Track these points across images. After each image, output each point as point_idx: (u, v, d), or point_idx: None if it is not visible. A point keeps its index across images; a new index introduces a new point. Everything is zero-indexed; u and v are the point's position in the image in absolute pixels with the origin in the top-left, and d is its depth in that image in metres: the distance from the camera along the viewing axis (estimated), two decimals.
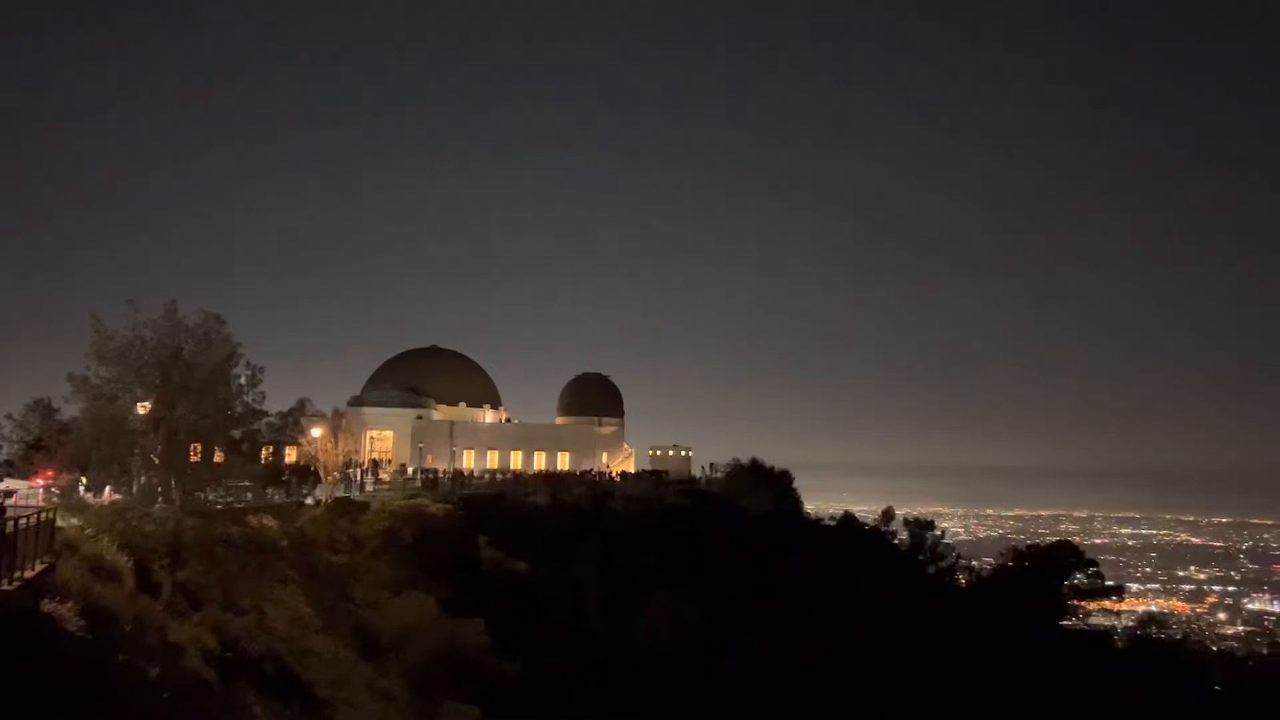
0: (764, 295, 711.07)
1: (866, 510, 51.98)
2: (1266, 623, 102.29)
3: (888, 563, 45.33)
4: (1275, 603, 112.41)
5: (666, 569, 34.56)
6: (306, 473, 29.97)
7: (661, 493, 44.15)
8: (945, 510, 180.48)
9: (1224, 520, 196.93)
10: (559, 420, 59.33)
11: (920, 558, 47.37)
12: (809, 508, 51.67)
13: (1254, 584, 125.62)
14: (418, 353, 60.36)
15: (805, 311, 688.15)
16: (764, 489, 46.80)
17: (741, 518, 43.29)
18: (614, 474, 51.95)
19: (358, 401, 52.21)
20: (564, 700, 24.85)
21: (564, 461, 54.59)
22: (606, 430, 58.08)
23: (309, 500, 28.50)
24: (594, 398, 59.06)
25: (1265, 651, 79.81)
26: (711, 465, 53.98)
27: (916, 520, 48.12)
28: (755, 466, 49.42)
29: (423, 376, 56.48)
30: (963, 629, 36.47)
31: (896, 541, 48.21)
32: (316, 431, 29.41)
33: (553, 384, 61.44)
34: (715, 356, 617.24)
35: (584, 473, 49.82)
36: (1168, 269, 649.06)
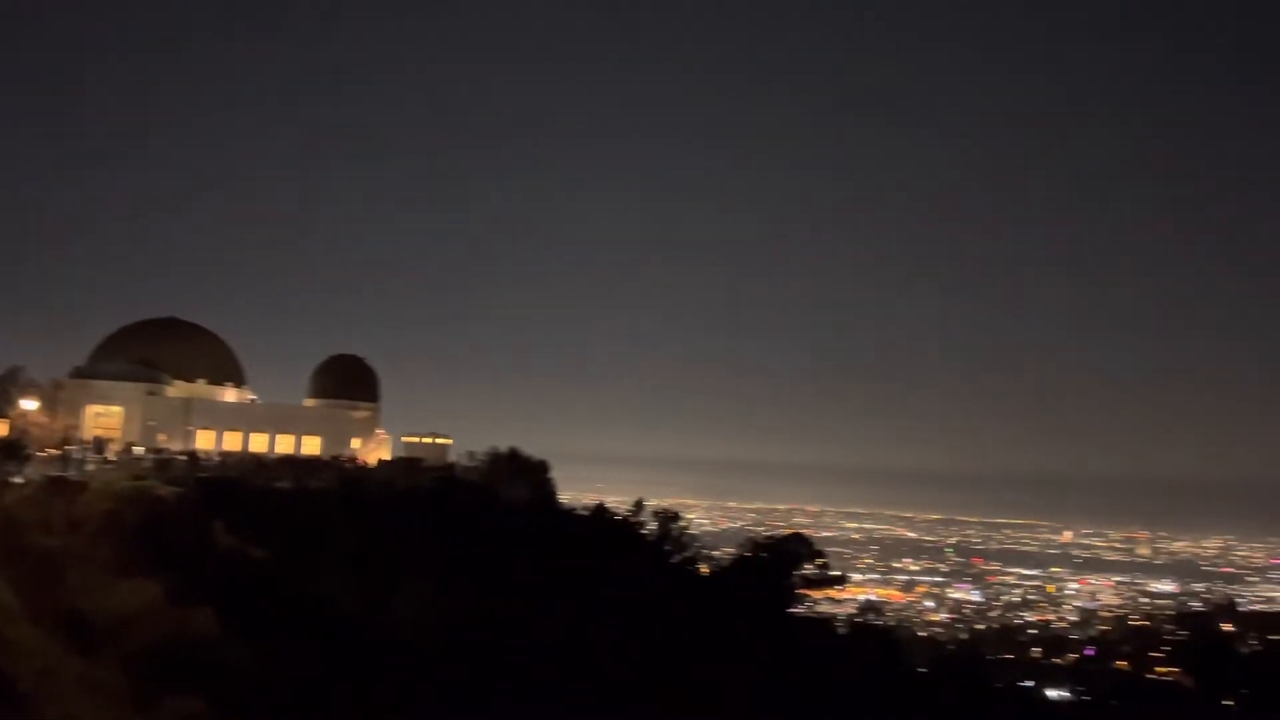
0: (526, 287, 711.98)
1: (619, 501, 53.22)
2: (965, 610, 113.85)
3: (636, 552, 46.68)
4: (973, 592, 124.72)
5: (419, 558, 33.96)
6: (16, 449, 27.35)
7: (416, 481, 43.38)
8: (693, 502, 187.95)
9: (935, 517, 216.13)
10: (308, 403, 56.88)
11: (666, 547, 49.07)
12: (564, 498, 52.33)
13: (957, 575, 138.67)
14: (154, 323, 56.00)
15: (567, 303, 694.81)
16: (521, 479, 46.95)
17: (497, 507, 43.22)
18: (366, 461, 50.54)
19: (82, 373, 48.04)
20: (302, 691, 23.94)
21: (312, 446, 52.49)
22: (360, 415, 56.29)
23: (18, 479, 26.00)
24: (347, 380, 57.02)
25: (963, 636, 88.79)
26: (470, 454, 53.54)
27: (664, 511, 49.70)
28: (514, 456, 49.46)
29: (158, 349, 52.53)
30: (700, 616, 38.11)
31: (645, 532, 49.72)
32: (30, 403, 26.87)
33: (309, 365, 58.86)
34: (480, 346, 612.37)
35: (334, 458, 48.15)
36: (891, 282, 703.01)
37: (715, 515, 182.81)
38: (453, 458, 54.44)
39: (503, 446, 50.56)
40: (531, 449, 50.74)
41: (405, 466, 47.77)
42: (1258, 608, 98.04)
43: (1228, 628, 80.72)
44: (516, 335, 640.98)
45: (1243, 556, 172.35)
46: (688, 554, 48.41)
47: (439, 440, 57.25)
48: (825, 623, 49.01)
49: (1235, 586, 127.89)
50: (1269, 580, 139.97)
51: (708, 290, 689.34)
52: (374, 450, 54.49)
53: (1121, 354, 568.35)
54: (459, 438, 58.19)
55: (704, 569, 47.95)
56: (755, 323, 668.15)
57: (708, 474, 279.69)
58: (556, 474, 51.37)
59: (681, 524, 49.62)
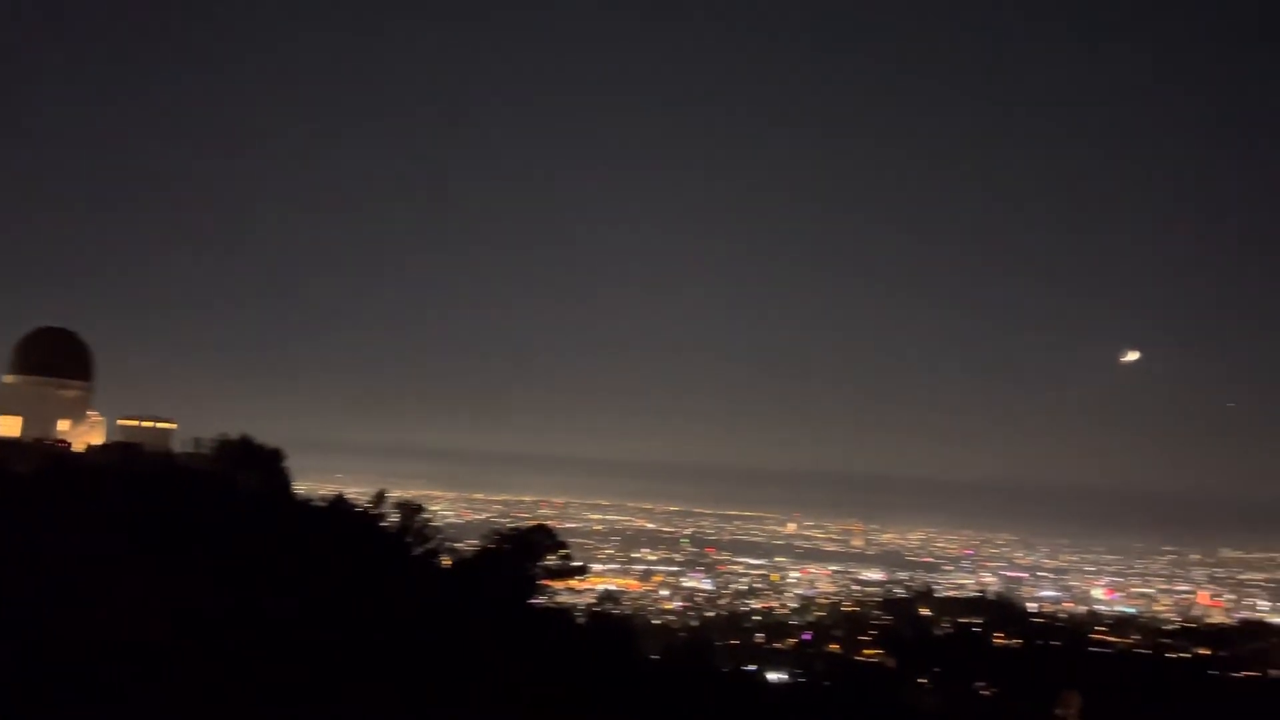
0: (263, 270, 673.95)
1: (360, 492, 51.65)
2: (698, 598, 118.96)
3: (375, 544, 45.52)
4: (705, 581, 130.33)
5: (136, 549, 31.50)
6: None
7: (133, 467, 40.31)
8: (438, 493, 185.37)
9: (674, 509, 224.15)
10: (8, 379, 51.47)
11: (408, 540, 48.16)
12: (300, 488, 50.28)
13: (692, 565, 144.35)
14: None
15: (309, 285, 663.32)
16: (252, 467, 44.67)
17: (224, 497, 40.89)
18: (76, 444, 46.35)
19: None
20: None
21: (12, 427, 47.53)
22: (69, 394, 51.58)
23: None
24: (55, 356, 52.20)
25: (694, 623, 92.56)
26: (197, 440, 50.24)
27: (407, 503, 48.79)
28: (244, 443, 46.94)
29: None
30: (441, 609, 37.76)
31: (386, 524, 48.60)
32: None
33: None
34: (217, 329, 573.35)
35: (37, 440, 43.85)
36: (645, 278, 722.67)
37: (460, 507, 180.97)
38: (178, 444, 51.05)
39: (234, 433, 47.98)
40: (266, 436, 48.42)
41: (120, 451, 44.35)
42: (951, 594, 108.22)
43: (925, 612, 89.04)
44: (256, 319, 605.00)
45: (940, 547, 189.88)
46: (430, 546, 47.71)
47: (160, 424, 53.47)
48: (565, 613, 49.68)
49: (934, 575, 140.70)
50: (961, 569, 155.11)
51: (451, 278, 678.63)
52: (85, 433, 50.10)
53: (844, 357, 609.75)
54: (186, 423, 54.69)
55: (446, 561, 47.42)
56: (504, 312, 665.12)
57: (454, 465, 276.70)
58: (292, 463, 49.31)
59: (425, 516, 48.85)
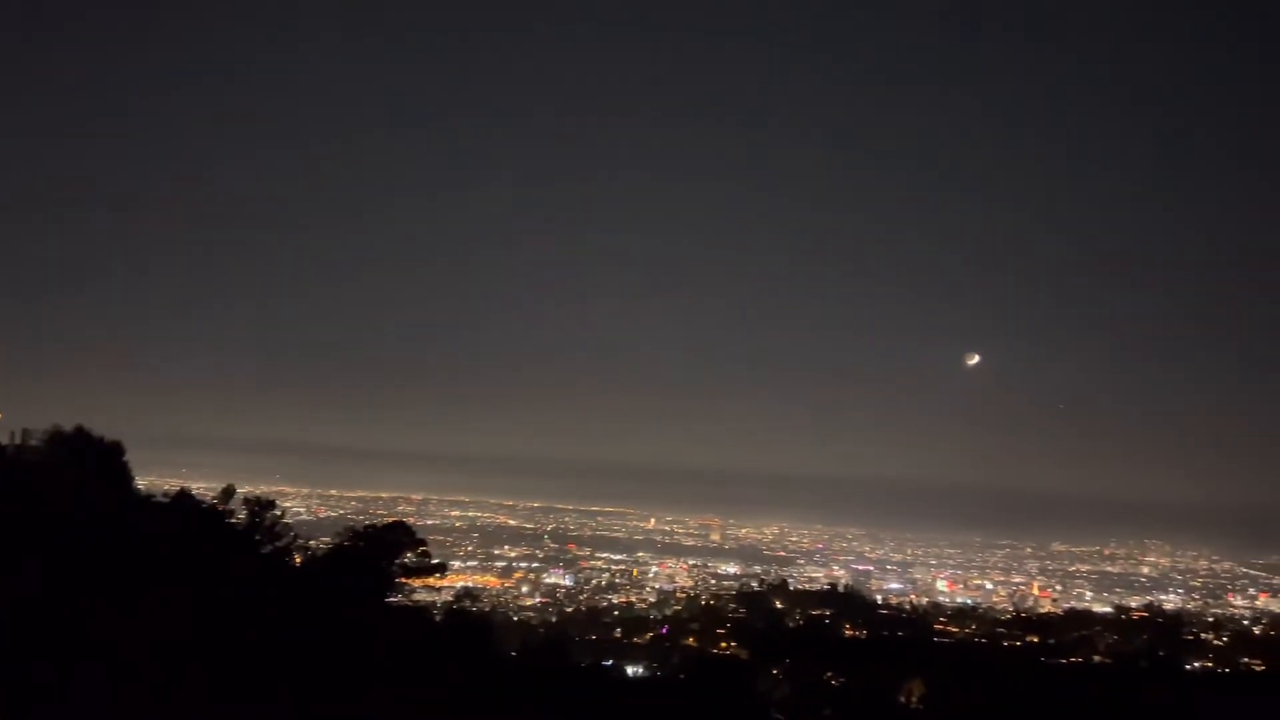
0: (117, 249, 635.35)
1: (207, 488, 49.58)
2: (558, 594, 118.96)
3: (221, 542, 43.84)
4: (566, 577, 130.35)
5: None
6: None
7: None
8: (290, 490, 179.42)
9: (536, 505, 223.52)
10: None
11: (257, 537, 46.54)
12: (142, 484, 47.94)
13: (553, 561, 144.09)
14: None
15: (154, 272, 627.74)
16: (88, 461, 42.26)
17: (54, 492, 38.58)
18: None
19: None
20: None
21: None
22: None
23: None
24: None
25: (554, 619, 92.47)
26: (25, 431, 47.21)
27: (257, 499, 47.16)
28: (79, 436, 44.37)
29: None
30: (291, 608, 36.68)
31: (234, 521, 46.86)
32: None
33: None
34: (50, 313, 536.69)
35: None
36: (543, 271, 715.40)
37: (315, 504, 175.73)
38: (4, 436, 47.85)
39: (68, 424, 45.31)
40: (106, 429, 45.91)
41: None
42: (803, 586, 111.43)
43: (779, 604, 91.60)
44: (96, 306, 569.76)
45: (794, 542, 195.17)
46: (281, 544, 46.25)
47: None
48: (422, 611, 49.00)
49: (788, 568, 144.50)
50: (814, 563, 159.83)
51: (305, 269, 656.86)
52: None
53: (699, 356, 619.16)
54: (15, 414, 51.28)
55: (298, 560, 46.08)
56: (356, 305, 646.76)
57: (308, 460, 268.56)
58: (135, 457, 46.95)
59: (276, 513, 47.35)
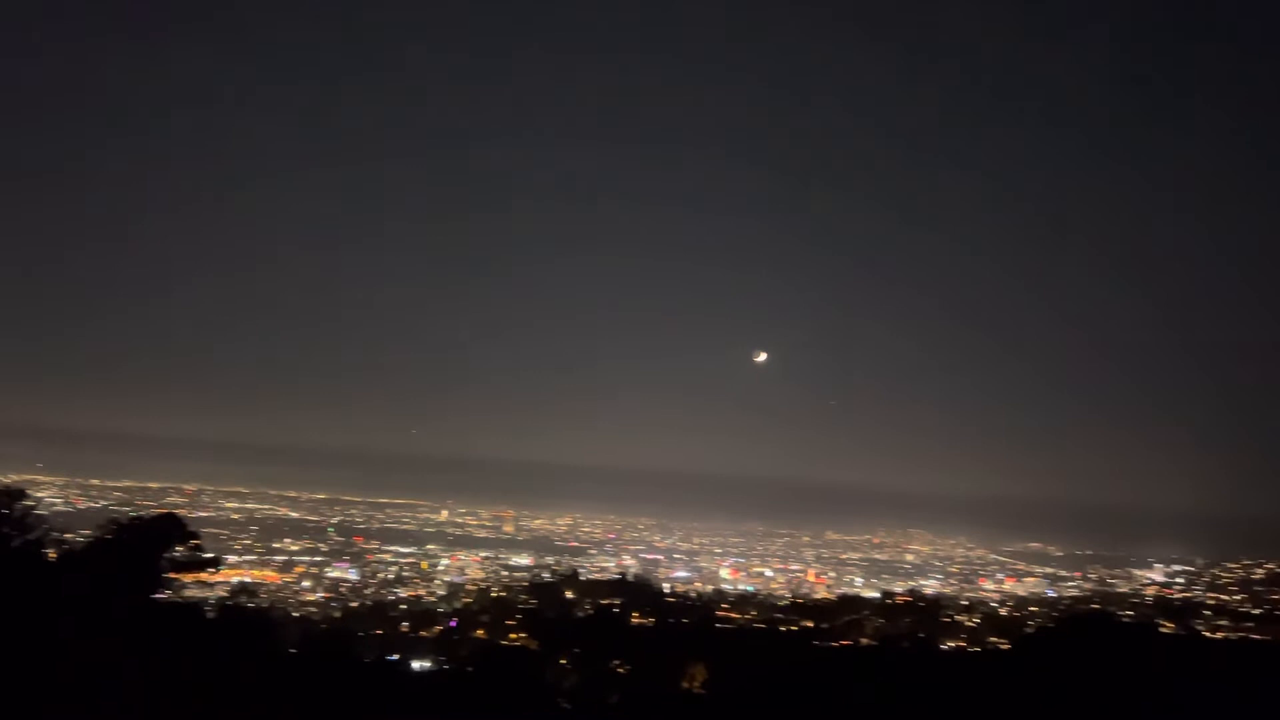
0: None
1: None
2: (342, 588, 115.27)
3: None
4: (351, 570, 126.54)
5: None
6: None
7: None
8: (45, 479, 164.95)
9: (321, 497, 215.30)
10: None
11: (5, 530, 42.66)
12: None
13: (338, 554, 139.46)
14: None
15: None
16: None
17: None
18: None
19: None
20: None
21: None
22: None
23: None
24: None
25: (337, 614, 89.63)
26: None
27: (6, 489, 43.22)
28: None
29: None
30: (45, 605, 33.89)
31: None
32: None
33: None
34: None
35: None
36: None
37: (73, 494, 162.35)
38: None
39: None
40: None
41: None
42: (594, 576, 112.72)
43: (569, 595, 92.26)
44: None
45: (587, 532, 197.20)
46: (32, 537, 42.67)
47: None
48: (194, 608, 46.54)
49: (579, 558, 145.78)
50: (605, 552, 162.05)
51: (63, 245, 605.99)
52: None
53: (504, 347, 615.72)
54: None
55: (52, 554, 42.65)
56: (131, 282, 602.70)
57: (65, 448, 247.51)
58: None
59: (28, 503, 43.62)
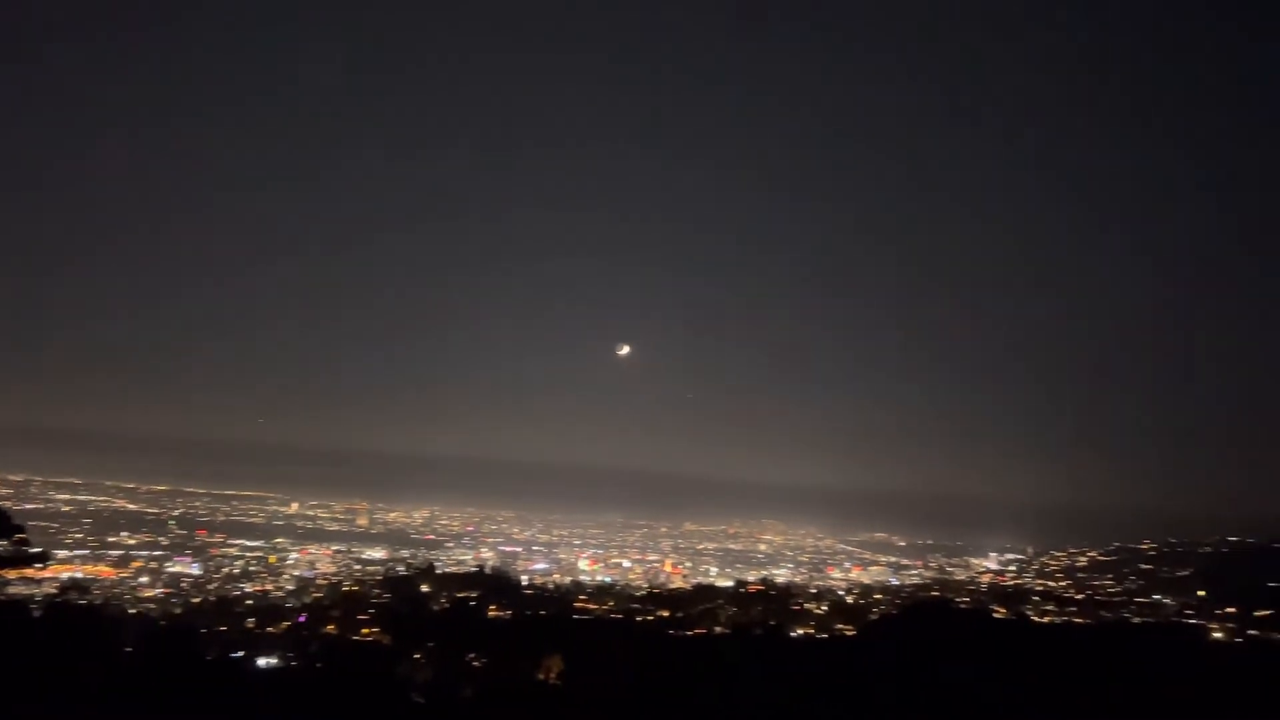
0: None
1: None
2: (183, 583, 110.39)
3: None
4: (193, 565, 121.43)
5: None
6: None
7: None
8: None
9: (161, 489, 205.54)
10: None
11: None
12: None
13: (179, 548, 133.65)
14: None
15: None
16: None
17: None
18: None
19: None
20: None
21: None
22: None
23: None
24: None
25: (178, 611, 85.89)
26: None
27: None
28: None
29: None
30: None
31: None
32: None
33: None
34: None
35: None
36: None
37: None
38: None
39: None
40: None
41: None
42: (451, 569, 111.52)
43: (425, 588, 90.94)
44: None
45: (444, 525, 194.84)
46: None
47: None
48: (18, 605, 44.05)
49: (436, 551, 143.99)
50: (463, 545, 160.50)
51: None
52: None
53: (346, 338, 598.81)
54: None
55: None
56: None
57: None
58: None
59: None
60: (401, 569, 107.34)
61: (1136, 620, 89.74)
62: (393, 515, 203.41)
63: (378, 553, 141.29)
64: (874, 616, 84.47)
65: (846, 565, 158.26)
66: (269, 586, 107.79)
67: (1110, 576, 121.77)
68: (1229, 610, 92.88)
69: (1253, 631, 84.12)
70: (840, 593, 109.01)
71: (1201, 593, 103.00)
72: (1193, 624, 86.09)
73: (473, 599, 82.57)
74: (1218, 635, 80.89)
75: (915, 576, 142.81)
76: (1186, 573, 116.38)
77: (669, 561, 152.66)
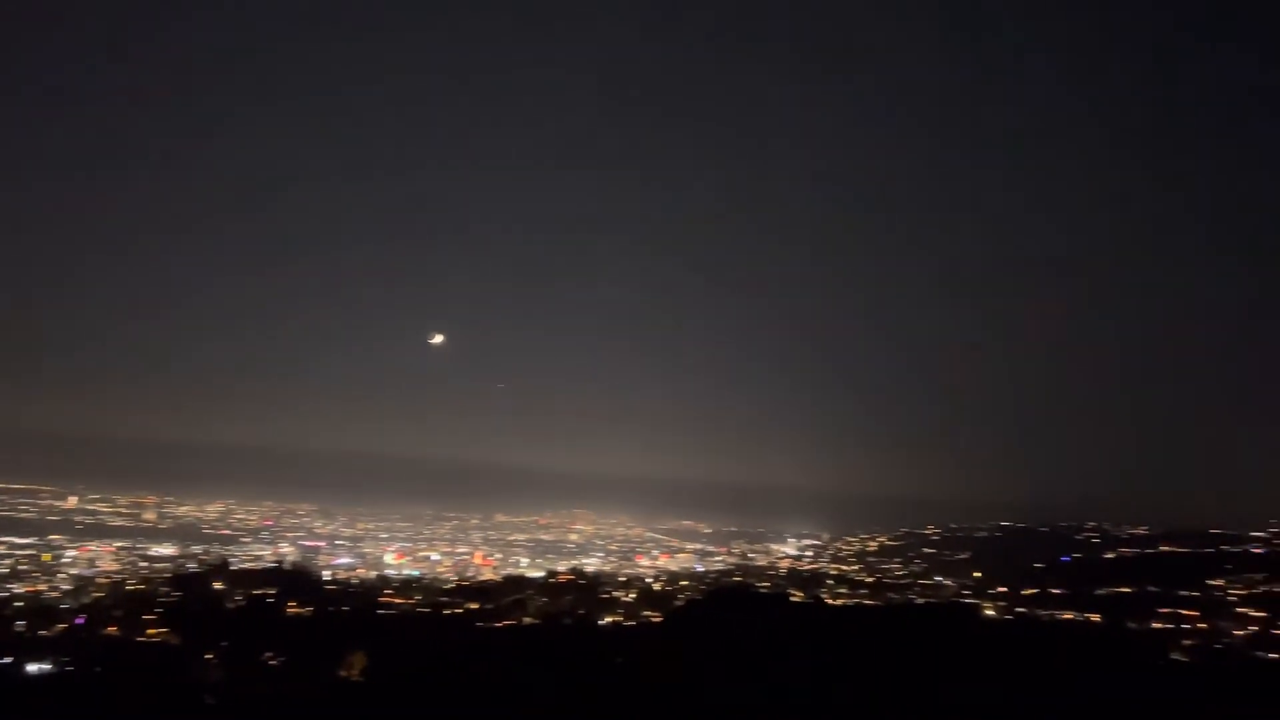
0: None
1: None
2: None
3: None
4: None
5: None
6: None
7: None
8: None
9: None
10: None
11: None
12: None
13: None
14: None
15: None
16: None
17: None
18: None
19: None
20: None
21: None
22: None
23: None
24: None
25: None
26: None
27: None
28: None
29: None
30: None
31: None
32: None
33: None
34: None
35: None
36: None
37: None
38: None
39: None
40: None
41: None
42: (247, 565, 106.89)
43: (219, 586, 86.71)
44: None
45: (240, 519, 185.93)
46: None
47: None
48: None
49: (231, 547, 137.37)
50: (261, 540, 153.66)
51: None
52: None
53: (136, 319, 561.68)
54: None
55: None
56: None
57: None
58: None
59: None
60: (193, 566, 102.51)
61: (920, 601, 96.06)
62: (184, 510, 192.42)
63: (167, 549, 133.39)
64: (680, 602, 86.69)
65: (655, 553, 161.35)
66: (42, 587, 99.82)
67: (898, 560, 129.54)
68: (1000, 590, 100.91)
69: (1020, 609, 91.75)
70: (648, 580, 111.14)
71: (977, 574, 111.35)
72: (969, 603, 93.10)
73: (270, 596, 79.53)
74: (990, 613, 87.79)
75: (720, 563, 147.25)
76: (965, 556, 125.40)
77: (479, 553, 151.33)
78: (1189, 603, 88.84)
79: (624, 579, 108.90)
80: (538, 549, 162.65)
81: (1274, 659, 64.70)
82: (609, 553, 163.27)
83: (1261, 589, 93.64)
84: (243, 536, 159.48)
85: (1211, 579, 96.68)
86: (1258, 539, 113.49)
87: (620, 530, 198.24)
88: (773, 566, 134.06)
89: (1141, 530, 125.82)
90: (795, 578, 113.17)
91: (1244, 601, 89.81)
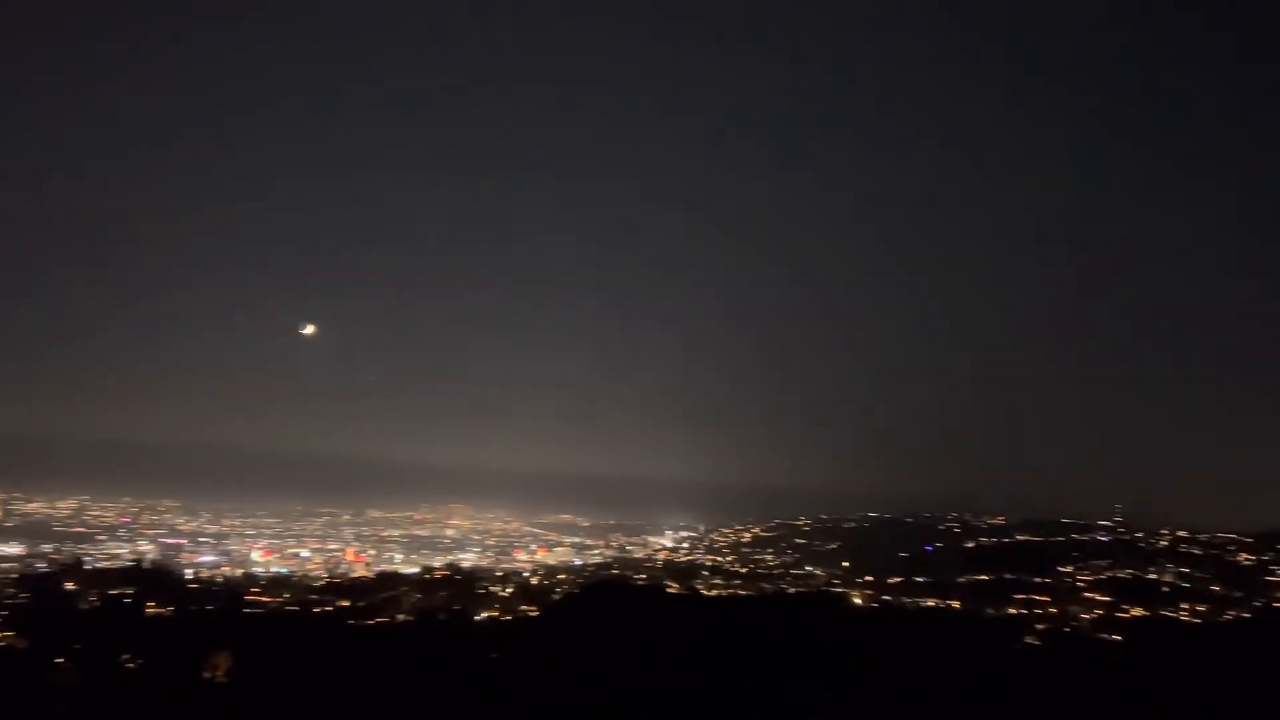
0: None
1: None
2: None
3: None
4: None
5: None
6: None
7: None
8: None
9: None
10: None
11: None
12: None
13: None
14: None
15: None
16: None
17: None
18: None
19: None
20: None
21: None
22: None
23: None
24: None
25: None
26: None
27: None
28: None
29: None
30: None
31: None
32: None
33: None
34: None
35: None
36: None
37: None
38: None
39: None
40: None
41: None
42: (103, 564, 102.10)
43: (72, 586, 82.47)
44: None
45: (95, 516, 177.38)
46: None
47: None
48: None
49: (85, 545, 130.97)
50: (117, 538, 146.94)
51: None
52: None
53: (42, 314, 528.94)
54: None
55: None
56: None
57: None
58: None
59: None
60: (43, 566, 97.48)
61: (792, 590, 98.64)
62: (33, 506, 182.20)
63: (13, 548, 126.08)
64: (557, 596, 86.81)
65: (533, 547, 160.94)
66: None
67: (771, 551, 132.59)
68: (868, 579, 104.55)
69: (886, 597, 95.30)
70: (525, 574, 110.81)
71: (846, 564, 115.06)
72: (838, 592, 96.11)
73: (128, 596, 76.21)
74: (857, 601, 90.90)
75: (598, 556, 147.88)
76: (835, 546, 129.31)
77: (352, 550, 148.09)
78: (1042, 589, 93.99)
79: (501, 574, 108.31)
80: (413, 545, 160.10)
81: (1116, 640, 68.86)
82: (486, 548, 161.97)
83: (1106, 575, 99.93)
84: (98, 534, 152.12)
85: (1062, 566, 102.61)
86: (1104, 527, 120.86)
87: (498, 525, 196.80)
88: (650, 559, 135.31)
89: (999, 520, 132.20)
90: (672, 569, 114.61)
91: (1091, 587, 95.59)
